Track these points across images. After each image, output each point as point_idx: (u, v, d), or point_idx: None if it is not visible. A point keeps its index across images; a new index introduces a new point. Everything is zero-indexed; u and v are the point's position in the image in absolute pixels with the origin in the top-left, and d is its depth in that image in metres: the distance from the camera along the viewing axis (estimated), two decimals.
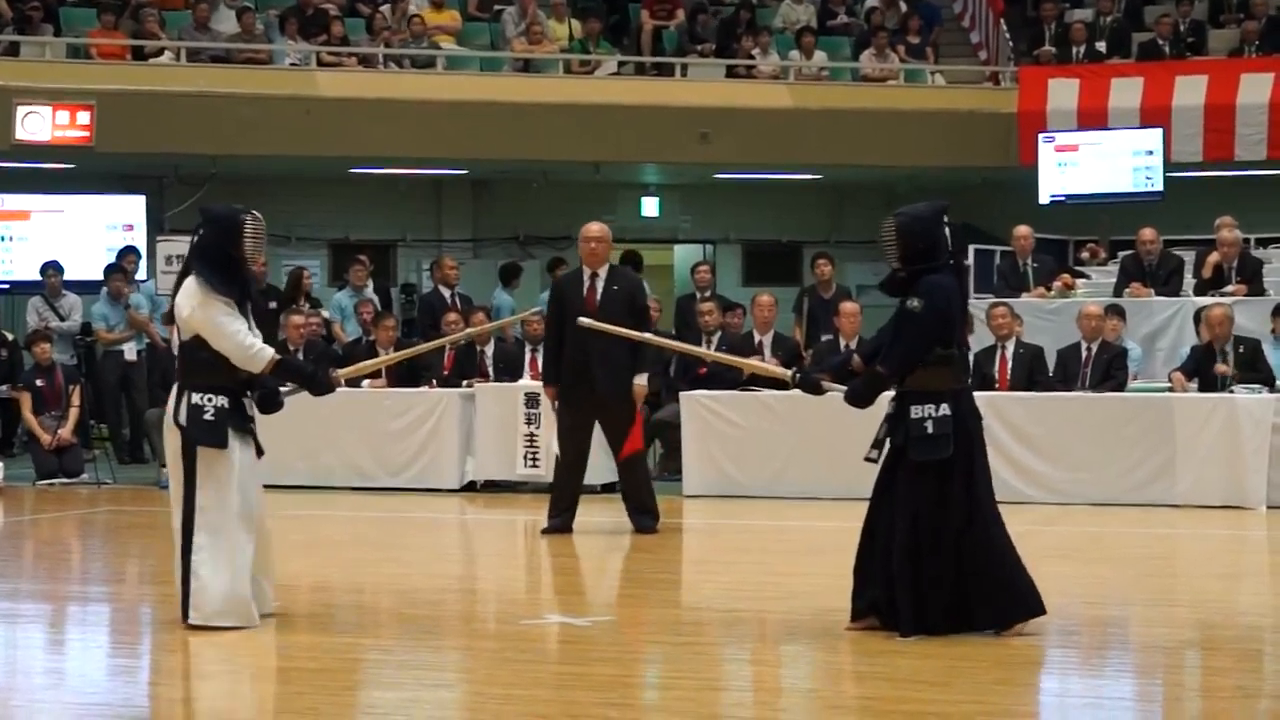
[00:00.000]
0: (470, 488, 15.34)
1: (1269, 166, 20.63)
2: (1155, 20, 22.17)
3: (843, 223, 23.36)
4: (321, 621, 9.00)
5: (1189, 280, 16.71)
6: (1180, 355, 15.17)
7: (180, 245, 13.76)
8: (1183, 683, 7.67)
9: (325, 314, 18.05)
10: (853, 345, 14.30)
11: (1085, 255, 19.40)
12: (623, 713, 6.90)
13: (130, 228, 19.99)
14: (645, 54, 22.07)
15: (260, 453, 8.46)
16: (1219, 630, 8.83)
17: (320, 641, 8.29)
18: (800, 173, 22.46)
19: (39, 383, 16.57)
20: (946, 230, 8.24)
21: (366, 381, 15.17)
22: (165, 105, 19.64)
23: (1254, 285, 16.07)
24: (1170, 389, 14.22)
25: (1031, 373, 14.66)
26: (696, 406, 14.84)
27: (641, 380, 12.21)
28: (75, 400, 16.44)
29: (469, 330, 14.97)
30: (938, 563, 7.99)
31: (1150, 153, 19.99)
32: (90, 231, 19.93)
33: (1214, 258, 16.44)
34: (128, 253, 18.87)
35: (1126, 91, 21.01)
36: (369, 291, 18.58)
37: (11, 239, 19.94)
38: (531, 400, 14.87)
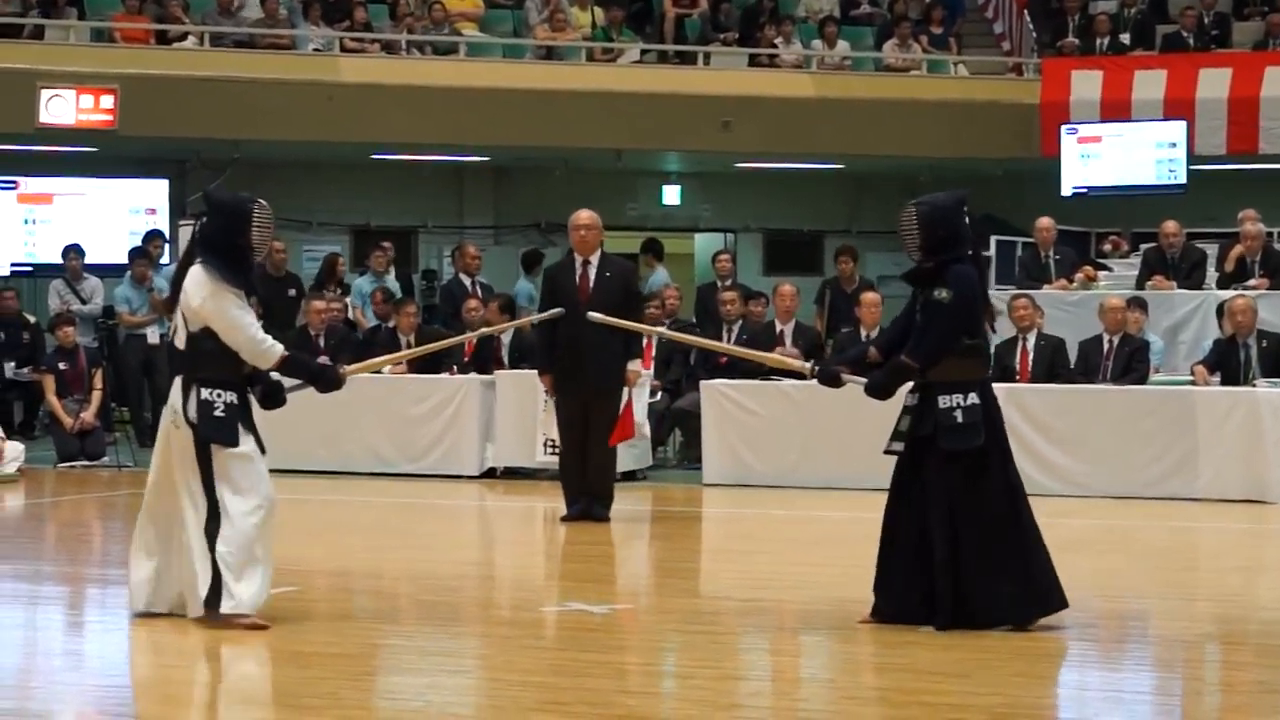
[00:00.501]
0: (490, 474, 15.33)
1: None
2: (1179, 12, 22.11)
3: (864, 213, 23.33)
4: (341, 607, 9.03)
5: (1211, 273, 16.67)
6: (1202, 349, 15.13)
7: None
8: (1202, 677, 7.66)
9: (347, 300, 18.08)
10: (874, 335, 14.28)
11: (1107, 247, 19.33)
12: (641, 701, 6.91)
13: (153, 212, 20.06)
14: (668, 42, 22.05)
15: (263, 451, 8.22)
16: (1239, 624, 8.82)
17: (340, 626, 8.30)
18: (822, 162, 22.43)
19: (62, 365, 16.58)
20: (965, 220, 8.24)
21: (387, 368, 15.17)
22: (188, 90, 19.68)
23: (1277, 279, 16.02)
24: (1192, 382, 14.18)
25: (1053, 365, 14.62)
26: (716, 395, 14.83)
27: (635, 365, 12.21)
28: (97, 383, 16.43)
29: (484, 330, 14.92)
30: (998, 549, 7.91)
31: (1173, 145, 19.90)
32: (113, 215, 19.98)
33: (1237, 251, 16.40)
34: (154, 236, 18.92)
35: (1150, 83, 20.93)
36: (390, 278, 18.60)
37: (35, 222, 19.98)
38: None
